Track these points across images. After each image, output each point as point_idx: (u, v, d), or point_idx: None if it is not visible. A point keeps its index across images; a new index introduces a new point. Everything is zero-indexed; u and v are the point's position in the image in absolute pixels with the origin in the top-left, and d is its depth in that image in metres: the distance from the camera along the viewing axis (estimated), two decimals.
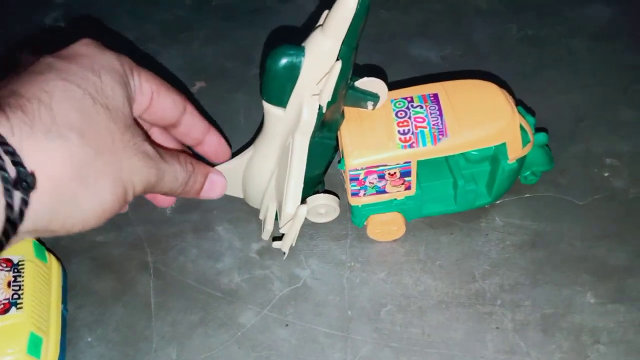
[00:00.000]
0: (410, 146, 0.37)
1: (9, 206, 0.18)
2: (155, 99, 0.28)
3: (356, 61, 0.34)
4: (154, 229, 0.45)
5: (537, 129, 0.43)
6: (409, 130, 0.37)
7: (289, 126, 0.34)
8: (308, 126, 0.33)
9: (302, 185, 0.34)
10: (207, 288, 0.40)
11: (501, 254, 0.40)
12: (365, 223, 0.41)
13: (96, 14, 0.71)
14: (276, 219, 0.39)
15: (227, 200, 0.46)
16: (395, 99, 0.39)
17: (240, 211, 0.45)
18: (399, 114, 0.38)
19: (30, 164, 0.19)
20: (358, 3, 0.28)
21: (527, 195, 0.44)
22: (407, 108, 0.39)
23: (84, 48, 0.25)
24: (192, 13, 0.69)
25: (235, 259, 0.42)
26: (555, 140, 0.46)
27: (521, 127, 0.39)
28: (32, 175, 0.19)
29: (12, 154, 0.18)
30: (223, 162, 0.39)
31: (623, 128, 0.48)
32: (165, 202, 0.36)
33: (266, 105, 0.33)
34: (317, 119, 0.33)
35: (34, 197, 0.19)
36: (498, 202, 0.43)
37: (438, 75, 0.55)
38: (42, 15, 0.72)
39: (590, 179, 0.44)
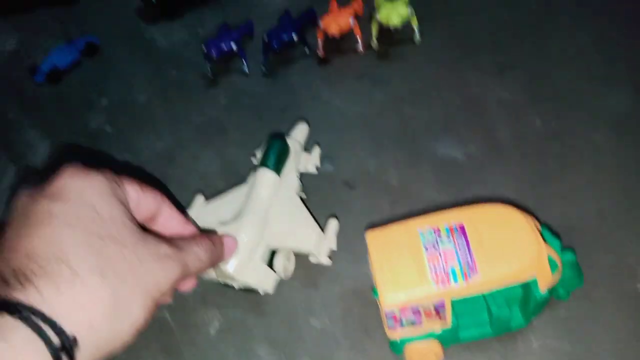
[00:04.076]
0: (443, 284, 0.38)
1: None
2: (142, 198, 0.29)
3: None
4: (200, 353, 0.47)
5: (564, 247, 0.44)
6: (439, 266, 0.39)
7: (276, 190, 0.51)
8: (298, 187, 0.54)
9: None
10: None
11: None
12: (402, 351, 0.42)
13: (136, 116, 0.77)
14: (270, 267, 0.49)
15: (265, 319, 0.48)
16: (422, 231, 0.41)
17: (278, 330, 0.48)
18: (428, 248, 0.40)
19: (68, 324, 0.21)
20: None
21: (562, 314, 0.44)
22: (436, 241, 0.40)
23: (70, 181, 0.26)
24: (224, 113, 0.73)
25: None
26: (585, 249, 0.47)
27: (549, 257, 0.40)
28: (74, 339, 0.21)
29: (51, 323, 0.21)
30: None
31: None
32: (186, 286, 0.36)
33: (270, 174, 0.51)
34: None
35: (81, 349, 0.22)
36: (534, 321, 0.44)
37: (463, 178, 0.57)
38: (88, 118, 0.78)
39: (624, 293, 0.45)
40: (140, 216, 0.29)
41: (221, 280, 0.47)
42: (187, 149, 0.69)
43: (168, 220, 0.32)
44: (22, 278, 0.21)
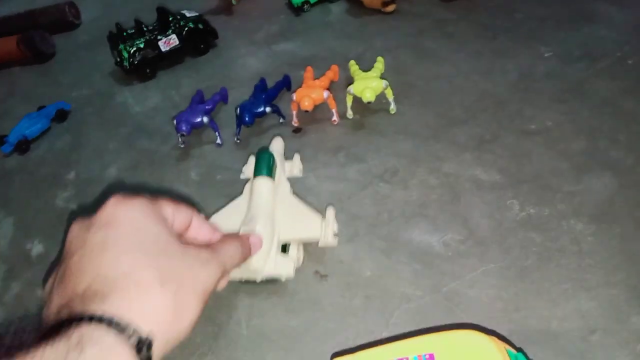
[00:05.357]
0: None
1: None
2: (177, 214, 0.33)
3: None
4: None
5: None
6: None
7: (274, 193, 0.57)
8: (290, 188, 0.60)
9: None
10: None
11: None
12: None
13: (104, 193, 0.74)
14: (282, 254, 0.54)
15: None
16: None
17: None
18: None
19: (143, 326, 0.25)
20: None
21: None
22: None
23: (117, 209, 0.29)
24: (195, 190, 0.70)
25: None
26: (564, 357, 0.45)
27: None
28: (149, 337, 0.25)
29: (129, 326, 0.25)
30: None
31: (639, 340, 0.46)
32: (221, 285, 0.39)
33: (266, 180, 0.56)
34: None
35: (155, 344, 0.26)
36: None
37: (439, 270, 0.54)
38: (54, 194, 0.75)
39: None
40: (177, 229, 0.34)
41: (244, 277, 0.52)
42: None
43: (199, 229, 0.36)
44: (98, 294, 0.25)
